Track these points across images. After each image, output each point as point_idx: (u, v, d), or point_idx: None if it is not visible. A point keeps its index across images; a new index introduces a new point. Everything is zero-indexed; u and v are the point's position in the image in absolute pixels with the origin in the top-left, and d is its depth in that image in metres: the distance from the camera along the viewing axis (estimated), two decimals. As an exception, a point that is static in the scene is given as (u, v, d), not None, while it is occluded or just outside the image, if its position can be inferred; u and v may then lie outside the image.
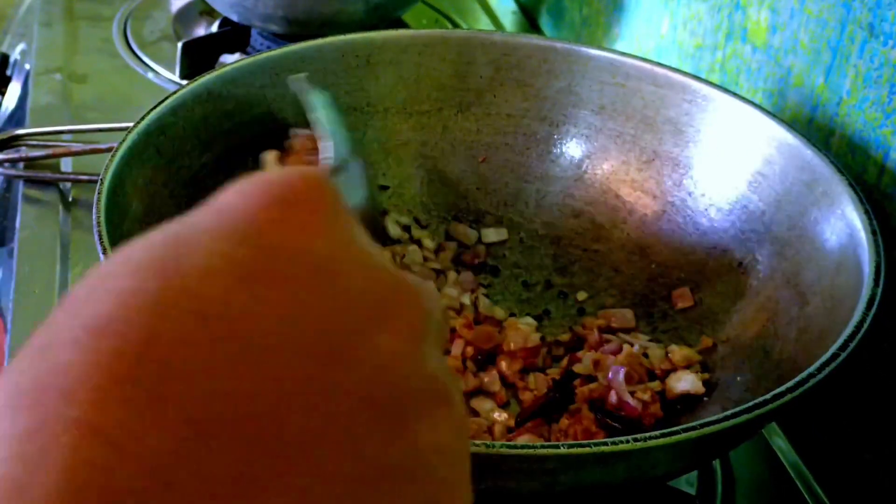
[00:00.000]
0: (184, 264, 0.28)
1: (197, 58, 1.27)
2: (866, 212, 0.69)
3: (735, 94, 0.83)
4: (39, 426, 0.25)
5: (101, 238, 0.64)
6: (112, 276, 0.28)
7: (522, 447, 0.52)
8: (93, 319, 0.27)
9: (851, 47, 0.79)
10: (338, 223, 0.32)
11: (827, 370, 0.57)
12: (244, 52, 1.30)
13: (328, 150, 0.64)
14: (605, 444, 0.52)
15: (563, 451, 0.52)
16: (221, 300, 0.28)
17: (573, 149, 0.91)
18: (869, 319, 0.61)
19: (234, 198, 0.31)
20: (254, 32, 1.31)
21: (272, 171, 0.33)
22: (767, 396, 0.55)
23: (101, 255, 0.63)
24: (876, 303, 0.62)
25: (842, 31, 0.80)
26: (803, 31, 0.85)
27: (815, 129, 0.85)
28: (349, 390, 0.29)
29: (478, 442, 0.52)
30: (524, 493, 0.56)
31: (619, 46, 1.20)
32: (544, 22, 1.45)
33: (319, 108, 0.66)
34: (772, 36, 0.90)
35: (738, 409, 0.55)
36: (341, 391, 0.29)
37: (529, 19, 1.48)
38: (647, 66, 0.87)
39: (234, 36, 1.31)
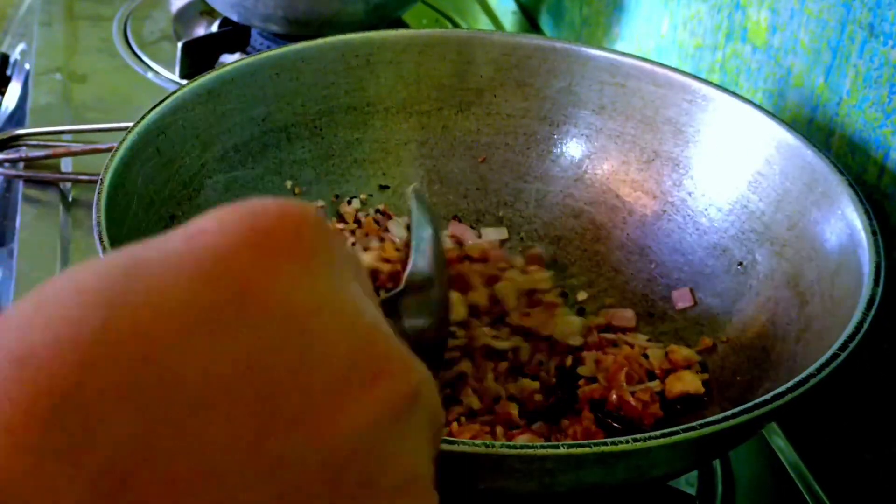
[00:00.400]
0: (138, 297, 0.24)
1: (197, 58, 1.27)
2: (866, 212, 0.69)
3: (735, 94, 0.83)
4: None
5: (101, 238, 0.64)
6: (54, 302, 0.25)
7: (522, 447, 0.52)
8: (21, 348, 0.23)
9: (851, 47, 0.79)
10: (329, 272, 0.28)
11: (827, 370, 0.57)
12: (244, 52, 1.30)
13: (413, 263, 0.61)
14: (605, 443, 0.52)
15: (563, 451, 0.51)
16: (172, 344, 0.24)
17: (573, 149, 0.91)
18: (869, 320, 0.60)
19: (210, 226, 0.27)
20: (254, 32, 1.32)
21: (259, 202, 0.29)
22: (767, 396, 0.55)
23: (101, 255, 0.63)
24: (876, 303, 0.62)
25: (842, 31, 0.80)
26: (803, 31, 0.85)
27: (815, 129, 0.85)
28: (305, 465, 0.25)
29: (478, 442, 0.52)
30: (524, 493, 0.56)
31: (619, 46, 1.20)
32: (544, 22, 1.45)
33: (415, 222, 0.63)
34: (772, 36, 0.90)
35: (737, 409, 0.55)
36: (295, 464, 0.25)
37: (529, 19, 1.48)
38: (647, 66, 0.87)
39: (234, 36, 1.31)
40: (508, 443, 0.52)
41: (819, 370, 0.57)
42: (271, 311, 0.26)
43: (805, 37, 0.85)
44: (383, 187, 0.91)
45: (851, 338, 0.59)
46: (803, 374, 0.57)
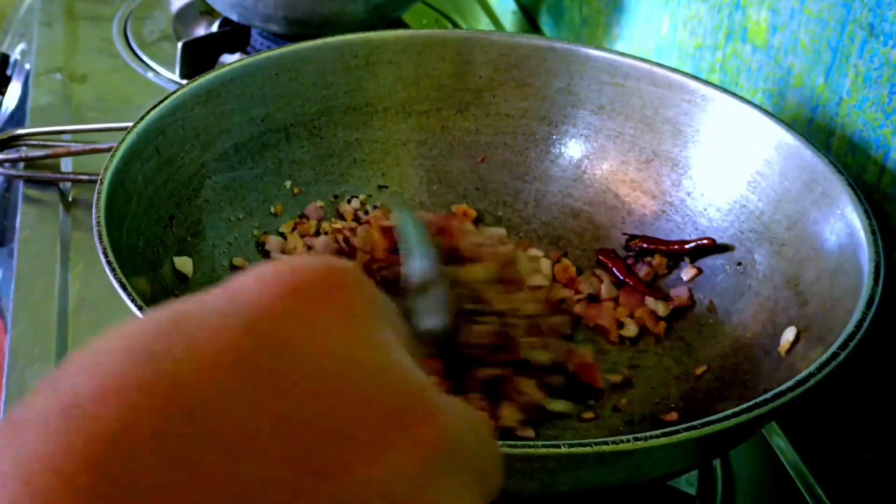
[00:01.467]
0: (179, 347, 0.26)
1: (197, 58, 1.28)
2: (866, 212, 0.69)
3: (734, 94, 0.83)
4: None
5: (100, 238, 0.64)
6: (104, 352, 0.26)
7: (523, 446, 0.52)
8: (71, 397, 0.25)
9: (851, 47, 0.79)
10: (363, 323, 0.30)
11: (827, 370, 0.57)
12: (244, 51, 1.31)
13: (412, 267, 0.63)
14: (606, 443, 0.52)
15: (563, 450, 0.52)
16: (210, 393, 0.26)
17: (572, 149, 0.91)
18: (869, 318, 0.61)
19: (250, 282, 0.29)
20: (254, 32, 1.32)
21: (298, 259, 0.31)
22: (768, 395, 0.55)
23: (102, 255, 0.63)
24: (876, 302, 0.62)
25: (842, 31, 0.80)
26: (803, 31, 0.85)
27: (815, 129, 0.85)
28: None
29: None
30: (524, 493, 0.56)
31: (619, 46, 1.20)
32: (544, 22, 1.45)
33: (407, 227, 0.65)
34: (772, 36, 0.90)
35: (738, 408, 0.55)
36: None
37: (529, 19, 1.48)
38: (646, 66, 0.87)
39: (234, 36, 1.32)
40: (508, 442, 0.52)
41: (819, 370, 0.57)
42: (306, 360, 0.27)
43: (805, 37, 0.85)
44: (382, 187, 0.91)
45: (851, 337, 0.59)
46: (803, 374, 0.57)
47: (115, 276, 0.61)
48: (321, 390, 0.27)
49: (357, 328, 0.29)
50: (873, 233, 0.68)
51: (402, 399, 0.28)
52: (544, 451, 0.52)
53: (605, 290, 0.84)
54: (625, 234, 0.87)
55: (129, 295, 0.60)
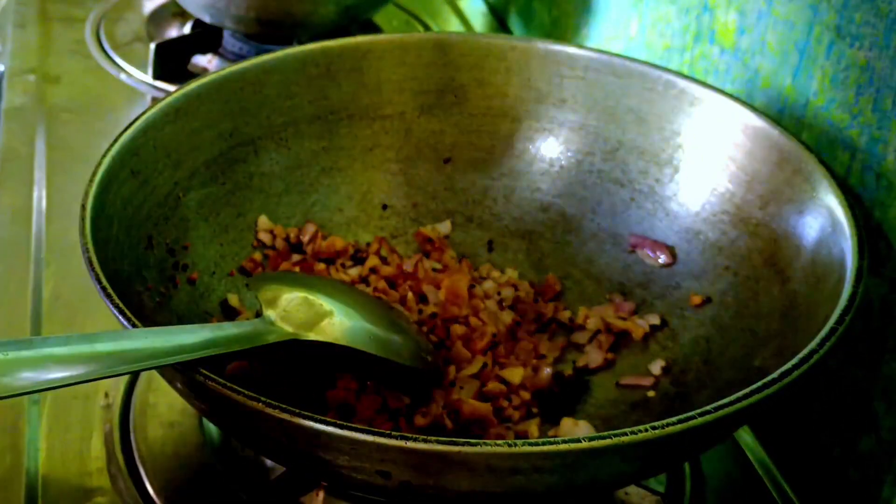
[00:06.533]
0: None
1: (169, 59, 1.28)
2: (840, 186, 0.71)
3: (696, 80, 0.84)
4: None
5: (91, 264, 0.63)
6: None
7: (544, 443, 0.52)
8: None
9: (819, 49, 0.80)
10: None
11: (829, 344, 0.58)
12: (216, 53, 1.32)
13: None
14: (625, 433, 0.52)
15: (584, 444, 0.52)
16: None
17: (537, 143, 0.92)
18: (860, 293, 0.62)
19: None
20: (226, 34, 1.33)
21: None
22: (775, 375, 0.56)
23: (94, 280, 0.62)
24: (864, 276, 0.63)
25: (809, 32, 0.81)
26: (771, 33, 0.86)
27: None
28: None
29: (500, 441, 0.52)
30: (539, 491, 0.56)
31: (588, 48, 1.21)
32: (514, 23, 1.45)
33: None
34: (739, 37, 0.91)
35: (748, 389, 0.55)
36: None
37: (499, 21, 1.48)
38: (606, 56, 0.88)
39: (206, 37, 1.32)
40: (530, 440, 0.53)
41: (821, 345, 0.58)
42: None
43: (773, 38, 0.86)
44: (350, 197, 0.92)
45: (847, 311, 0.60)
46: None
47: (111, 301, 0.61)
48: None
49: None
50: (851, 207, 0.69)
51: None
52: (566, 446, 0.52)
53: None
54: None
55: (127, 319, 0.59)
